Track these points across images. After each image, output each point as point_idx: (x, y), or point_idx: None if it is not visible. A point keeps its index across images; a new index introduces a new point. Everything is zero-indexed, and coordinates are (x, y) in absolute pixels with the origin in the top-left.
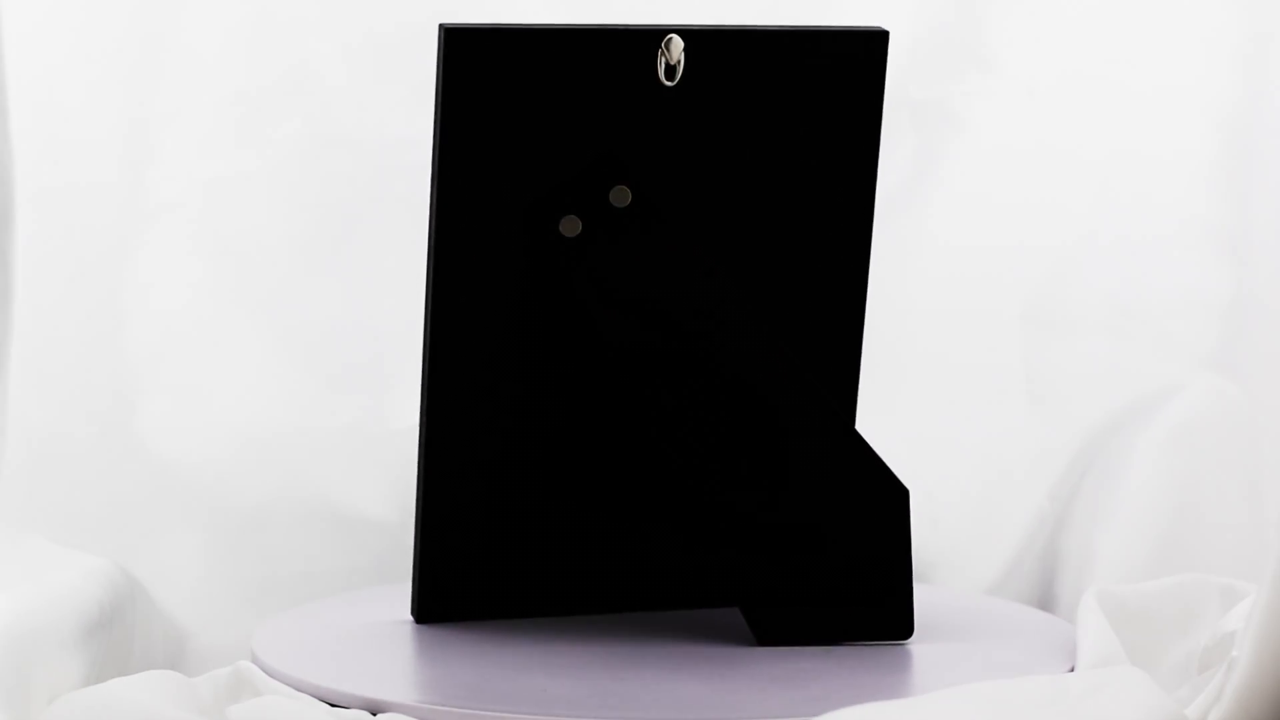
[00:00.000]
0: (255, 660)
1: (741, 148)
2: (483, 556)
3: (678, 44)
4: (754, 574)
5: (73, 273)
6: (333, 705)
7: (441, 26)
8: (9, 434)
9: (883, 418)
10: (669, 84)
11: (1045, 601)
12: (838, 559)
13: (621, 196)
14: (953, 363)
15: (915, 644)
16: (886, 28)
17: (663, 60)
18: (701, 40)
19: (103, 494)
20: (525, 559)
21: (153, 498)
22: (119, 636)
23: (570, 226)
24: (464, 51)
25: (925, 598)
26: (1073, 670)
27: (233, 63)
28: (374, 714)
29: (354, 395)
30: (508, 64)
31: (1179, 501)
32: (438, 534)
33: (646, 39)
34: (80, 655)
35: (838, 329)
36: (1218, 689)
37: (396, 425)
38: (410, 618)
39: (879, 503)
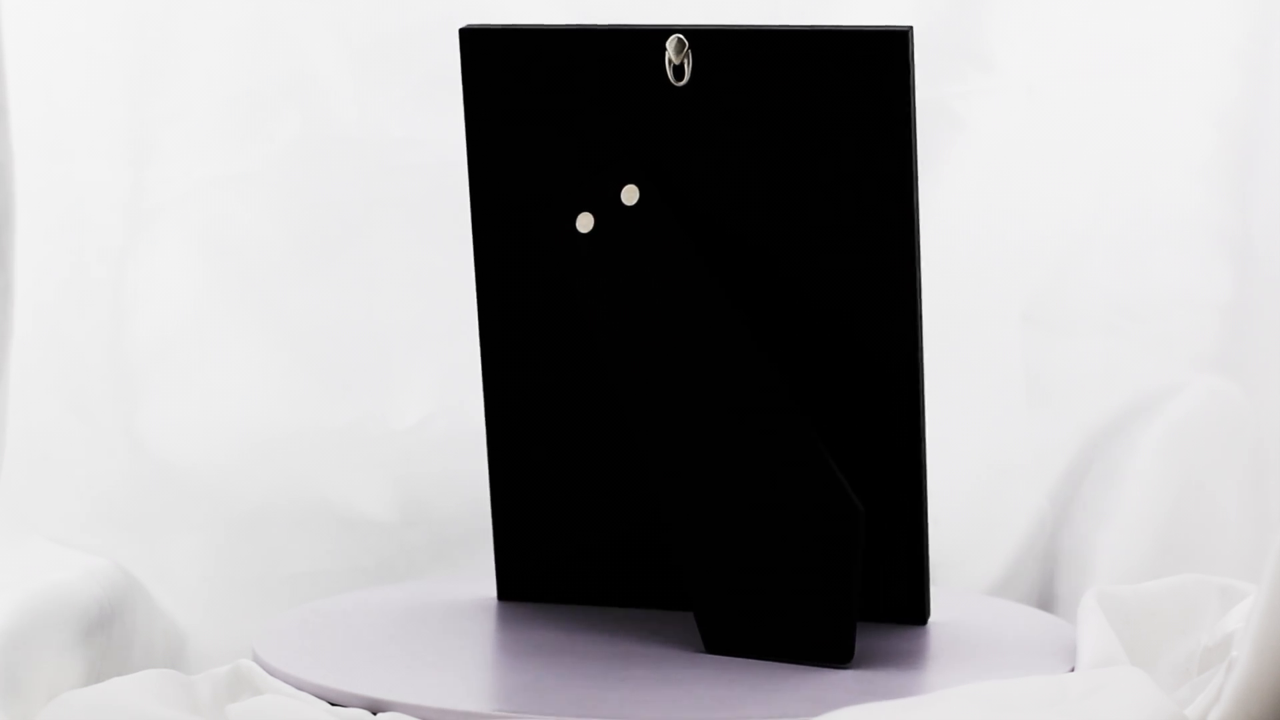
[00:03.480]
0: (256, 659)
1: (757, 148)
2: (553, 539)
3: (678, 44)
4: (707, 580)
5: (73, 273)
6: (333, 704)
7: (461, 29)
8: (9, 434)
9: None
10: (677, 84)
11: (1045, 601)
12: (784, 575)
13: (631, 195)
14: (953, 362)
15: (916, 644)
16: (910, 25)
17: (668, 61)
18: (712, 40)
19: (103, 494)
20: (590, 546)
21: (153, 498)
22: (119, 636)
23: (585, 223)
24: (480, 52)
25: None
26: (1073, 670)
27: (233, 63)
28: (374, 713)
29: (354, 395)
30: (524, 63)
31: (1179, 502)
32: (507, 517)
33: (657, 39)
34: (80, 655)
35: (887, 329)
36: (1217, 689)
37: (396, 425)
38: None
39: (829, 522)
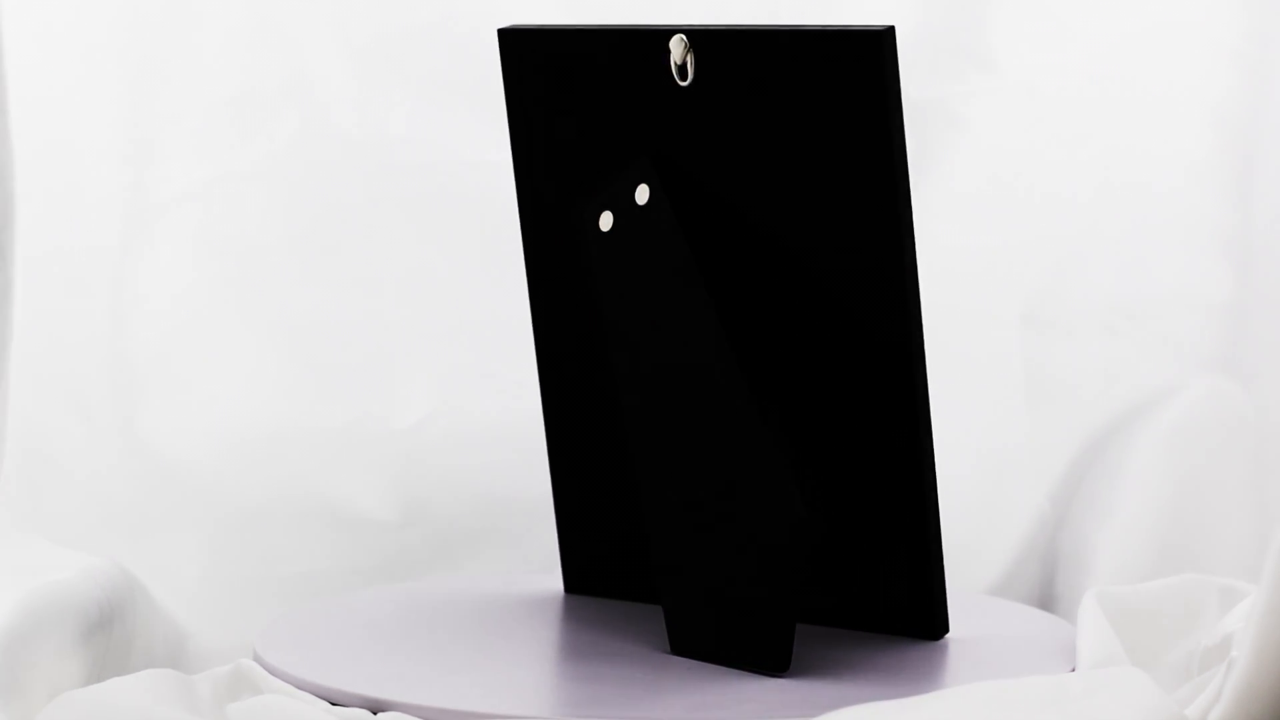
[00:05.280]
0: (257, 658)
1: (757, 147)
2: (616, 534)
3: (678, 44)
4: (673, 581)
5: (73, 273)
6: (333, 704)
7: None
8: (9, 434)
9: None
10: (682, 84)
11: (1045, 601)
12: (733, 579)
13: (643, 194)
14: (953, 363)
15: (915, 644)
16: (892, 25)
17: (672, 61)
18: (709, 40)
19: (103, 494)
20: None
21: (153, 498)
22: (119, 636)
23: (605, 221)
24: (517, 51)
25: None
26: (1073, 670)
27: (233, 63)
28: (374, 713)
29: (354, 395)
30: (559, 63)
31: (1179, 501)
32: (569, 512)
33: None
34: (80, 655)
35: (885, 330)
36: (1217, 689)
37: (396, 425)
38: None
39: (772, 527)
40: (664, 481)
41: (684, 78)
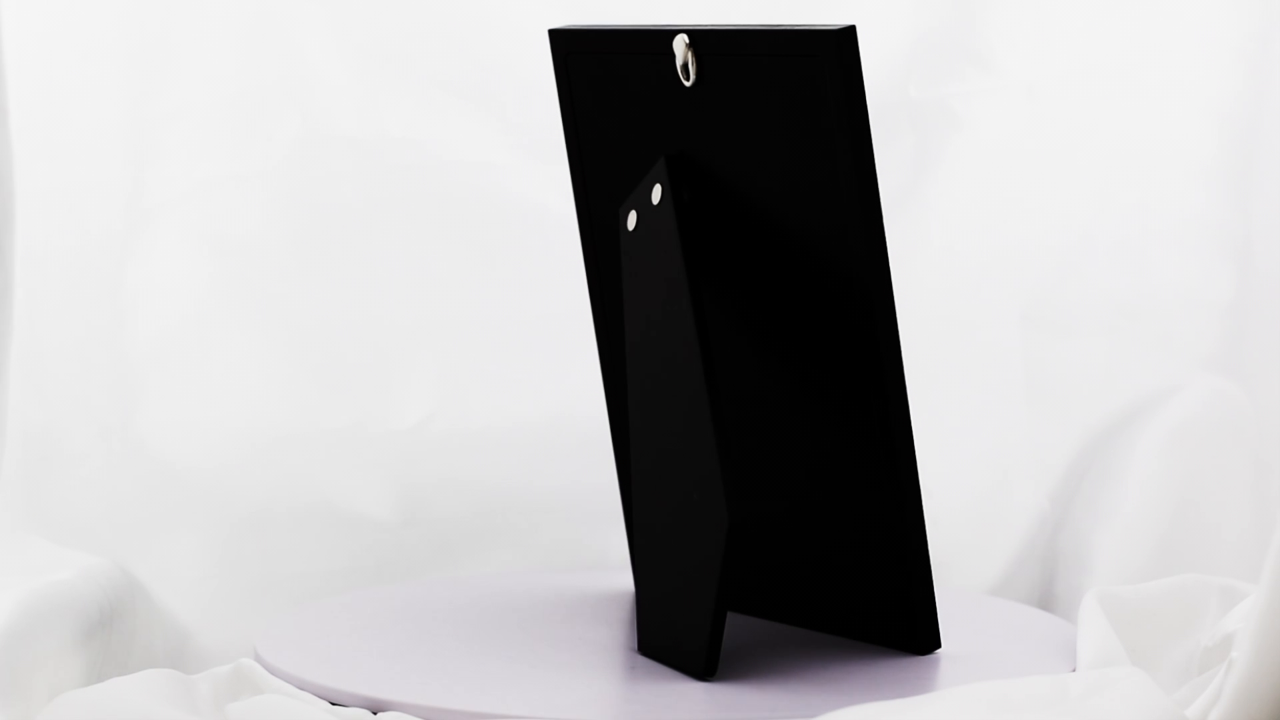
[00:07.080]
0: (257, 658)
1: (750, 144)
2: None
3: (679, 44)
4: (642, 582)
5: (73, 273)
6: (333, 704)
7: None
8: (9, 434)
9: None
10: (686, 84)
11: (1045, 601)
12: (678, 581)
13: (656, 194)
14: (953, 363)
15: None
16: (853, 25)
17: (678, 62)
18: (703, 40)
19: (103, 494)
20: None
21: (153, 498)
22: (119, 636)
23: (631, 221)
24: (567, 50)
25: None
26: (1073, 670)
27: (233, 63)
28: (374, 713)
29: (354, 395)
30: (597, 62)
31: (1179, 501)
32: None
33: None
34: (80, 655)
35: (864, 330)
36: (1217, 689)
37: (396, 425)
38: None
39: (701, 528)
40: (642, 480)
41: (688, 77)
